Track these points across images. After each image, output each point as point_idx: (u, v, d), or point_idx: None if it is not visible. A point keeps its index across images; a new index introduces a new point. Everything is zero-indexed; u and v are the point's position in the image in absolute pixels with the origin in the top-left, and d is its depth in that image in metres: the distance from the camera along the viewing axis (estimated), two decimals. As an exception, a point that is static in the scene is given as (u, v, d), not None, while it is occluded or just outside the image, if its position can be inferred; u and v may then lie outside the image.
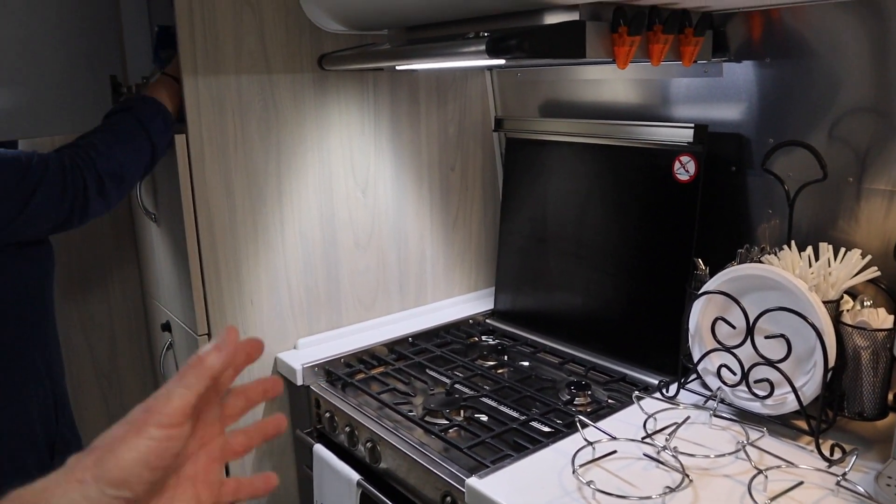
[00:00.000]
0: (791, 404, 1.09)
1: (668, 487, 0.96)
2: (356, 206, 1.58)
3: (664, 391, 1.26)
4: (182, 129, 1.36)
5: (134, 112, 1.30)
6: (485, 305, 1.78)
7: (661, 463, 1.04)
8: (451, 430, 1.23)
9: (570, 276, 1.56)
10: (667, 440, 1.05)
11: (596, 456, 1.06)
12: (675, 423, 1.08)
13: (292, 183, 1.48)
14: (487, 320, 1.73)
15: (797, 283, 1.07)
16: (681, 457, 1.03)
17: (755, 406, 1.14)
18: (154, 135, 1.30)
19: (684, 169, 1.33)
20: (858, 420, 1.10)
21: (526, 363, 1.52)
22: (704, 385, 1.23)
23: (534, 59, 1.07)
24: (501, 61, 1.09)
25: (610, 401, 1.31)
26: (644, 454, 1.07)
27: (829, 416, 1.10)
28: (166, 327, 1.64)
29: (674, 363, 1.34)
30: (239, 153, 1.41)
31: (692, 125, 1.29)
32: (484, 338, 1.65)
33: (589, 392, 1.33)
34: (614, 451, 1.07)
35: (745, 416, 1.16)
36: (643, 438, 1.09)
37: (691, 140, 1.29)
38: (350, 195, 1.57)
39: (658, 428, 1.13)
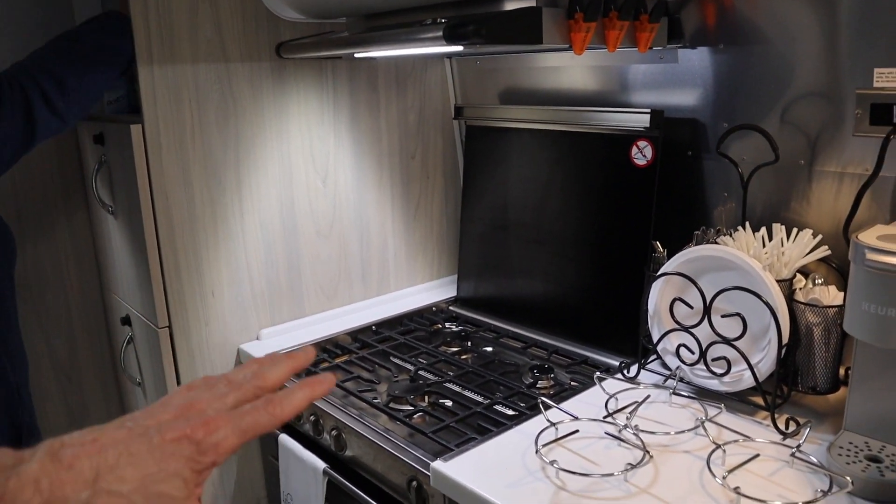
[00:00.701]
0: (747, 381, 1.12)
1: (629, 464, 0.98)
2: (316, 195, 1.58)
3: (625, 372, 1.29)
4: (138, 120, 1.34)
5: (87, 23, 1.34)
6: (447, 293, 1.79)
7: (623, 441, 1.06)
8: (415, 416, 1.24)
9: (531, 262, 1.58)
10: (627, 419, 1.08)
11: (559, 436, 1.07)
12: (636, 402, 1.11)
13: (251, 173, 1.47)
14: (450, 307, 1.74)
15: (751, 263, 1.10)
16: (641, 434, 1.06)
17: (713, 384, 1.17)
18: (107, 39, 1.31)
19: (641, 154, 1.35)
20: (812, 394, 1.14)
21: (489, 348, 1.53)
22: (664, 365, 1.25)
23: (491, 45, 1.07)
24: (459, 48, 1.09)
25: (573, 383, 1.33)
26: (606, 433, 1.09)
27: (783, 392, 1.13)
28: (126, 321, 1.62)
29: (634, 345, 1.37)
30: (197, 143, 1.39)
31: (648, 111, 1.31)
32: (447, 325, 1.66)
33: (552, 375, 1.35)
34: (576, 431, 1.09)
35: (703, 394, 1.19)
36: (604, 418, 1.11)
37: (648, 125, 1.31)
38: (310, 184, 1.56)
39: (619, 407, 1.15)
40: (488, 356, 1.47)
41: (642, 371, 1.29)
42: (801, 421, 1.07)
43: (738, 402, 1.16)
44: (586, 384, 1.29)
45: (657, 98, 1.41)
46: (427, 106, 1.73)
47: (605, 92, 1.50)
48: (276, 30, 1.44)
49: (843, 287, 1.13)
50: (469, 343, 1.54)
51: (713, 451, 1.01)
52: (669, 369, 1.24)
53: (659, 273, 1.21)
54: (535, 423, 1.12)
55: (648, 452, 1.01)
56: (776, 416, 1.08)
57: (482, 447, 1.08)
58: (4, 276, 1.24)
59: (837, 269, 1.18)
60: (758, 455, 1.00)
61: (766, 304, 1.07)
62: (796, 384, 1.14)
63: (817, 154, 1.21)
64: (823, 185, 1.21)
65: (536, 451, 1.02)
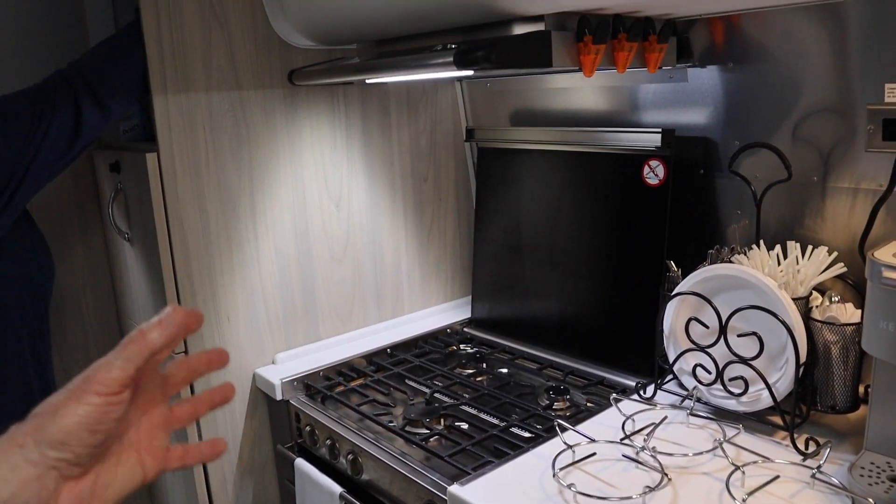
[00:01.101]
0: (765, 401, 1.11)
1: (647, 487, 0.97)
2: (330, 220, 1.59)
3: (641, 392, 1.28)
4: (153, 148, 1.35)
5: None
6: (462, 314, 1.79)
7: (640, 463, 1.05)
8: (431, 440, 1.23)
9: (545, 283, 1.58)
10: (645, 440, 1.07)
11: (576, 459, 1.07)
12: (653, 424, 1.10)
13: (266, 198, 1.48)
14: (465, 329, 1.74)
15: (767, 282, 1.09)
16: (659, 456, 1.05)
17: (731, 404, 1.16)
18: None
19: (653, 173, 1.35)
20: (831, 413, 1.12)
21: (504, 370, 1.53)
22: (681, 385, 1.25)
23: (501, 69, 1.08)
24: (469, 72, 1.10)
25: (589, 404, 1.33)
26: (623, 455, 1.08)
27: (802, 411, 1.12)
28: (142, 347, 1.63)
29: (650, 365, 1.36)
30: (211, 170, 1.41)
31: (660, 130, 1.31)
32: (462, 346, 1.65)
33: (568, 396, 1.34)
34: (594, 454, 1.08)
35: (721, 414, 1.18)
36: (622, 440, 1.10)
37: (659, 144, 1.31)
38: (324, 208, 1.57)
39: (636, 429, 1.14)
40: (504, 378, 1.47)
41: (659, 392, 1.28)
42: (822, 441, 1.06)
43: (756, 422, 1.15)
44: (603, 405, 1.28)
45: (667, 117, 1.41)
46: (438, 129, 1.75)
47: (615, 112, 1.51)
48: (288, 57, 1.46)
49: (860, 304, 1.12)
50: (484, 365, 1.54)
51: (732, 472, 1.00)
52: (686, 389, 1.23)
53: (674, 293, 1.20)
54: (552, 446, 1.11)
55: (667, 475, 1.00)
56: (795, 436, 1.07)
57: (499, 470, 1.07)
58: (46, 298, 1.28)
59: (854, 285, 1.18)
60: (778, 476, 0.99)
61: (783, 322, 1.06)
62: (815, 403, 1.13)
63: (830, 170, 1.20)
64: (837, 202, 1.21)
65: (554, 475, 1.02)
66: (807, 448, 1.06)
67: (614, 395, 1.23)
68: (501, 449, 1.16)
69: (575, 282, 1.51)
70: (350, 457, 1.27)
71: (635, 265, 1.40)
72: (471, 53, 0.97)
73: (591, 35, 1.04)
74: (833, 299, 1.12)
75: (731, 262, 1.19)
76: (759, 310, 1.08)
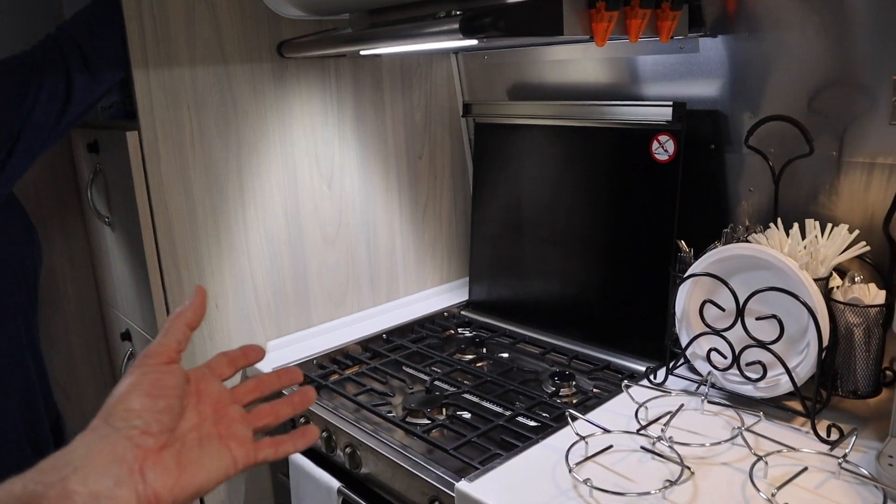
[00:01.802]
0: (784, 386, 1.07)
1: (668, 481, 0.92)
2: (322, 200, 1.51)
3: (651, 378, 1.23)
4: (134, 126, 1.27)
5: None
6: (459, 297, 1.73)
7: (658, 455, 1.00)
8: (433, 431, 1.17)
9: (546, 263, 1.52)
10: (662, 430, 1.02)
11: (590, 453, 1.01)
12: (669, 412, 1.05)
13: (254, 178, 1.41)
14: (462, 312, 1.68)
15: (788, 262, 1.04)
16: (676, 446, 1.00)
17: (747, 389, 1.11)
18: None
19: (663, 149, 1.29)
20: (852, 398, 1.08)
21: (505, 355, 1.47)
22: (692, 369, 1.20)
23: (509, 37, 1.01)
24: (474, 42, 1.03)
25: (595, 390, 1.28)
26: (641, 447, 1.03)
27: (821, 396, 1.08)
28: (126, 336, 1.56)
29: (658, 348, 1.31)
30: (197, 149, 1.33)
31: (671, 103, 1.25)
32: (460, 330, 1.60)
33: (573, 382, 1.29)
34: (610, 446, 1.03)
35: (735, 400, 1.13)
36: (638, 430, 1.05)
37: (670, 119, 1.25)
38: (315, 188, 1.50)
39: (651, 417, 1.09)
40: (505, 363, 1.42)
41: (670, 377, 1.23)
42: (845, 428, 1.01)
43: (773, 408, 1.10)
44: (611, 391, 1.23)
45: (675, 90, 1.34)
46: (434, 104, 1.67)
47: (619, 85, 1.44)
48: (277, 29, 1.38)
49: (882, 285, 1.07)
50: (484, 350, 1.48)
51: (755, 462, 0.95)
52: (699, 374, 1.18)
53: (687, 274, 1.15)
54: (563, 437, 1.06)
55: (688, 467, 0.95)
56: (816, 422, 1.02)
57: (508, 464, 1.02)
58: (37, 279, 1.24)
59: (873, 265, 1.13)
60: (806, 469, 0.94)
61: (805, 305, 1.01)
62: (835, 388, 1.08)
63: (848, 145, 1.15)
64: (854, 177, 1.15)
65: (570, 471, 0.96)
66: (829, 435, 1.02)
67: (625, 381, 1.18)
68: (509, 440, 1.11)
69: (579, 262, 1.46)
70: (348, 450, 1.21)
71: (643, 245, 1.34)
72: (478, 20, 0.90)
73: (604, 2, 0.98)
74: (856, 279, 1.07)
75: (747, 241, 1.13)
76: (780, 291, 1.02)
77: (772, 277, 1.07)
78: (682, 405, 1.08)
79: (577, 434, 1.03)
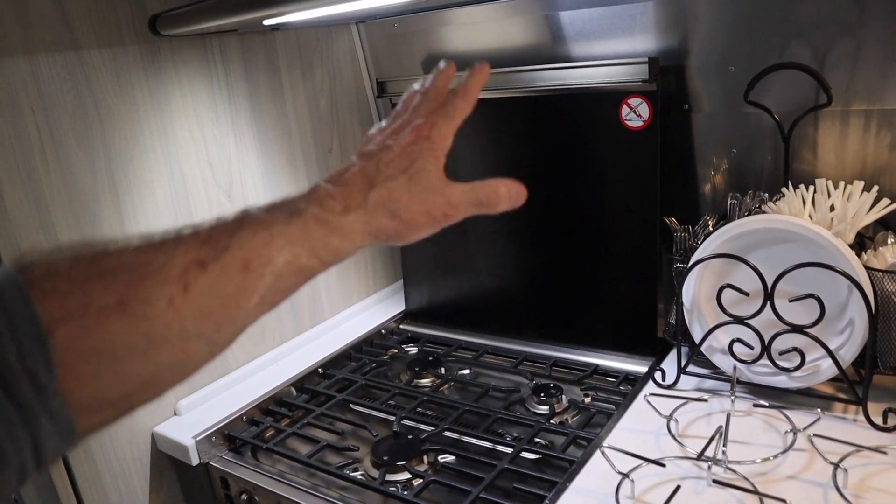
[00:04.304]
0: (826, 372, 0.93)
1: (753, 518, 0.75)
2: (223, 214, 1.21)
3: (659, 380, 1.05)
4: (-46, 144, 0.92)
5: None
6: (392, 308, 1.48)
7: (721, 483, 0.82)
8: (422, 490, 0.93)
9: (498, 258, 1.31)
10: (724, 452, 0.84)
11: (638, 492, 0.82)
12: (720, 428, 0.87)
13: (133, 196, 1.09)
14: (401, 326, 1.44)
15: (821, 232, 0.89)
16: (732, 465, 0.83)
17: (779, 381, 0.97)
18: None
19: (635, 113, 1.11)
20: (892, 375, 0.96)
21: (466, 371, 1.25)
22: (701, 363, 1.04)
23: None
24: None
25: (587, 400, 1.09)
26: (713, 480, 0.84)
27: (861, 377, 0.95)
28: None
29: (647, 343, 1.15)
30: (52, 167, 0.99)
31: (644, 59, 1.06)
32: (406, 348, 1.36)
33: (562, 396, 1.10)
34: (678, 488, 0.84)
35: (760, 393, 0.98)
36: (700, 456, 0.85)
37: (646, 77, 1.07)
38: (212, 201, 1.20)
39: (684, 431, 0.92)
40: (474, 383, 1.19)
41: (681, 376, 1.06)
42: (905, 412, 0.89)
43: (807, 397, 0.96)
44: (613, 402, 1.06)
45: (628, 46, 1.17)
46: (338, 85, 1.40)
47: (550, 45, 1.24)
48: (141, 1, 1.06)
49: (907, 244, 0.96)
50: (442, 370, 1.25)
51: (834, 471, 0.80)
52: (714, 368, 1.02)
53: (700, 257, 0.98)
54: (594, 476, 0.86)
55: (762, 494, 0.77)
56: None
57: (545, 526, 0.81)
58: None
59: (882, 224, 1.01)
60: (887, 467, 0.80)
61: (848, 277, 0.87)
62: (875, 366, 0.96)
63: (854, 93, 1.01)
64: (853, 129, 1.03)
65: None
66: (885, 422, 0.89)
67: (646, 394, 1.00)
68: (526, 490, 0.89)
69: (541, 253, 1.26)
70: (316, 531, 0.95)
71: (619, 227, 1.16)
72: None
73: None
74: (890, 241, 0.94)
75: (762, 211, 0.98)
76: (821, 267, 0.88)
77: (798, 250, 0.92)
78: (728, 415, 0.90)
79: (621, 473, 0.83)
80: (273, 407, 1.18)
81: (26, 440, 0.33)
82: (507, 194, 0.58)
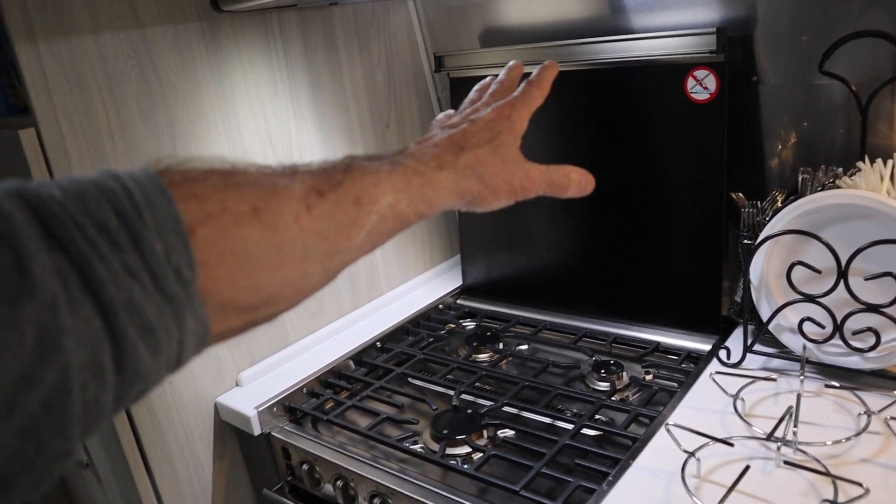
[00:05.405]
0: (903, 353, 0.89)
1: (827, 501, 0.73)
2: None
3: (724, 358, 1.03)
4: (28, 122, 0.95)
5: None
6: (450, 283, 1.48)
7: (798, 466, 0.79)
8: (484, 466, 0.93)
9: (557, 233, 1.30)
10: (794, 433, 0.82)
11: (703, 471, 0.81)
12: (791, 408, 0.85)
13: (197, 172, 1.10)
14: (459, 301, 1.44)
15: (900, 207, 0.86)
16: (804, 448, 0.81)
17: (852, 361, 0.94)
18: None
19: (701, 86, 1.08)
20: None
21: (524, 347, 1.25)
22: (766, 342, 1.01)
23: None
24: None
25: (649, 377, 1.08)
26: (784, 460, 0.83)
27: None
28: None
29: (711, 320, 1.12)
30: (118, 143, 1.02)
31: (713, 30, 1.03)
32: (463, 323, 1.36)
33: (623, 373, 1.09)
34: (747, 467, 0.82)
35: (829, 373, 0.96)
36: (769, 437, 0.84)
37: (714, 49, 1.03)
38: (272, 177, 1.21)
39: (751, 411, 0.90)
40: (533, 359, 1.19)
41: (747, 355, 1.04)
42: None
43: (881, 378, 0.93)
44: (675, 380, 1.04)
45: (690, 17, 1.13)
46: (395, 61, 1.40)
47: (613, 17, 1.21)
48: (202, -24, 1.07)
49: None
50: (501, 345, 1.25)
51: (912, 457, 0.77)
52: (780, 347, 1.00)
53: (769, 233, 0.95)
54: (659, 453, 0.85)
55: (836, 477, 0.75)
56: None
57: (607, 502, 0.80)
58: None
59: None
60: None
61: (930, 255, 0.83)
62: (950, 345, 0.92)
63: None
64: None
65: (706, 507, 0.75)
66: (966, 405, 0.86)
67: (712, 372, 0.98)
68: (588, 466, 0.89)
69: (601, 228, 1.24)
70: (376, 501, 0.96)
71: (683, 202, 1.14)
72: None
73: None
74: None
75: (836, 186, 0.95)
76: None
77: (874, 227, 0.88)
78: (798, 395, 0.88)
79: (685, 451, 0.82)
80: (332, 379, 1.19)
81: (175, 334, 0.34)
82: (577, 180, 0.64)
